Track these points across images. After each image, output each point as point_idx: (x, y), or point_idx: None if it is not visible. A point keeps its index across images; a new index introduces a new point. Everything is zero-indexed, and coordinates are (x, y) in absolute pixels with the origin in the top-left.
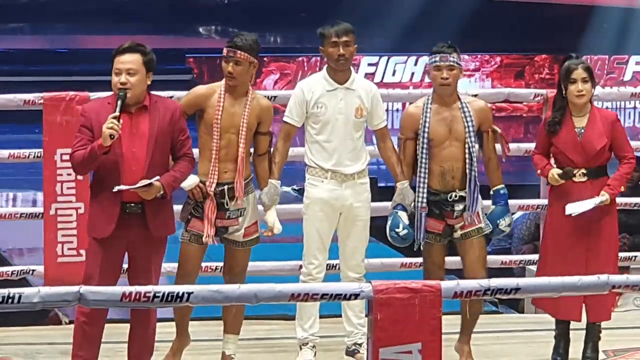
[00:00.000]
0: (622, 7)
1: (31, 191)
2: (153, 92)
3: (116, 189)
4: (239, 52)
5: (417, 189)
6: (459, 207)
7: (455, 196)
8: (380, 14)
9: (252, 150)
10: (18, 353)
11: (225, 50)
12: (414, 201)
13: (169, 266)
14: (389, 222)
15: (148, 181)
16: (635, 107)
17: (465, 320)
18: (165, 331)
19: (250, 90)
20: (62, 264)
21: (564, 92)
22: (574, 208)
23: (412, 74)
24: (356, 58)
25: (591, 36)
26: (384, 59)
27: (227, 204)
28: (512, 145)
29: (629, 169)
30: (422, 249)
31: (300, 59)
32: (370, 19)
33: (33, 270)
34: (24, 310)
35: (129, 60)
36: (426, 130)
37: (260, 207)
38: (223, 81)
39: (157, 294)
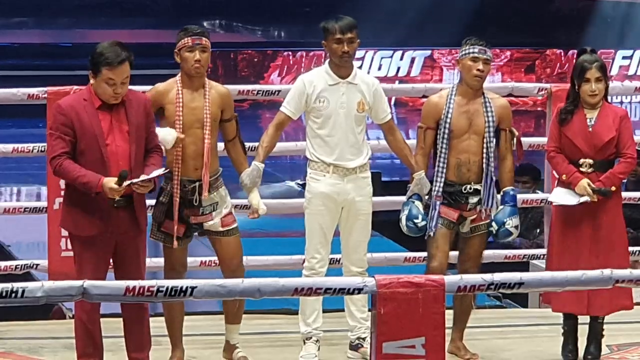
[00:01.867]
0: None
1: (35, 185)
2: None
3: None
4: (204, 39)
5: (435, 179)
6: (472, 199)
7: (470, 188)
8: (382, 9)
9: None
10: (22, 347)
11: (188, 40)
12: (430, 191)
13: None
14: (405, 212)
15: (159, 171)
16: (622, 102)
17: (457, 316)
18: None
19: (206, 81)
20: (65, 258)
21: (577, 87)
22: (557, 197)
23: (399, 68)
24: None
25: (595, 30)
26: (370, 53)
27: (196, 201)
28: None
29: (625, 169)
30: (430, 235)
31: (299, 53)
32: (367, 13)
33: (37, 265)
34: (28, 304)
35: (124, 71)
36: (448, 121)
37: (231, 200)
38: (178, 77)
39: (160, 288)
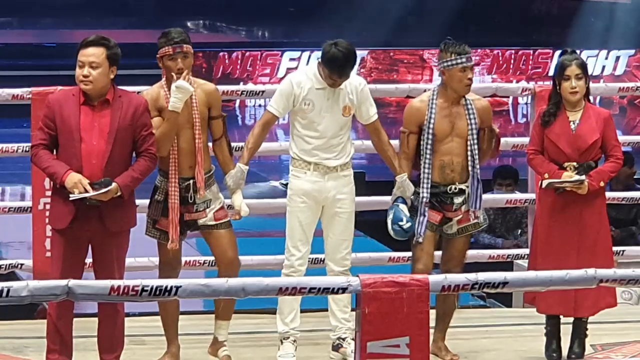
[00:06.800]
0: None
1: (19, 185)
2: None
3: (72, 197)
4: (185, 45)
5: (421, 183)
6: (457, 199)
7: (455, 189)
8: (363, 10)
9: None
10: (6, 347)
11: (169, 49)
12: (417, 194)
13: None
14: (390, 216)
15: (105, 189)
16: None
17: (440, 317)
18: (151, 325)
19: (191, 80)
20: (50, 258)
21: (558, 87)
22: (546, 181)
23: None
24: (277, 53)
25: (581, 30)
26: (306, 53)
27: (191, 198)
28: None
29: (614, 169)
30: (419, 241)
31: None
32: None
33: (21, 264)
34: (13, 304)
35: (93, 53)
36: (431, 125)
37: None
38: (163, 81)
39: (145, 288)
